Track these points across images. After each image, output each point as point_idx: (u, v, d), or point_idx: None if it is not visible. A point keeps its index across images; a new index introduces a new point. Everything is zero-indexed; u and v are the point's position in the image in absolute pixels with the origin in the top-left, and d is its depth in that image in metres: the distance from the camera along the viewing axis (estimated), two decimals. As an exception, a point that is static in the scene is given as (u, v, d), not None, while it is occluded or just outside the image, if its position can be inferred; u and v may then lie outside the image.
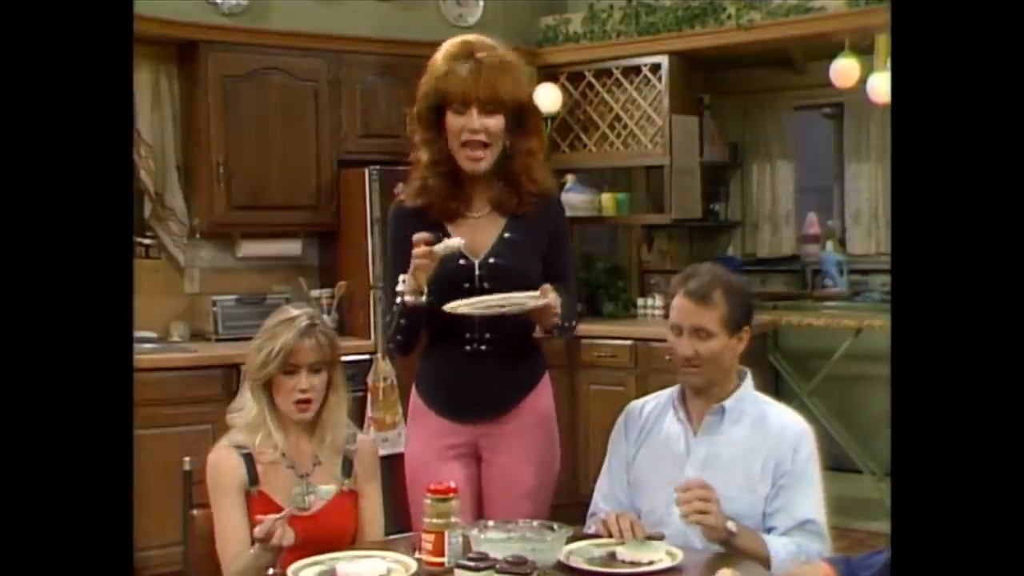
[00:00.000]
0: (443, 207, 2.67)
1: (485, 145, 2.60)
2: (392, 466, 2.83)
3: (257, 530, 2.22)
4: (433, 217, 2.67)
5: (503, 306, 2.54)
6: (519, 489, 2.68)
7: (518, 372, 2.72)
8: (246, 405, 2.52)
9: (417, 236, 2.53)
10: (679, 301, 2.53)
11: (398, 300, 2.58)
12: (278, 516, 2.23)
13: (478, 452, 2.72)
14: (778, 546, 2.35)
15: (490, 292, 2.61)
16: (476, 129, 2.59)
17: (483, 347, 2.66)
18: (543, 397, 2.77)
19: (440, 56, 2.65)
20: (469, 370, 2.68)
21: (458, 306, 2.54)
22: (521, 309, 2.55)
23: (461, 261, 2.63)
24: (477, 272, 2.65)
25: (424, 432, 2.76)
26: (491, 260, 2.65)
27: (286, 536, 2.21)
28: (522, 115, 2.64)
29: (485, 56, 2.60)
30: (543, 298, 2.53)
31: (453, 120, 2.61)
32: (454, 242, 2.55)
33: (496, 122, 2.60)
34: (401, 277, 2.57)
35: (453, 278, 2.62)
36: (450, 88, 2.60)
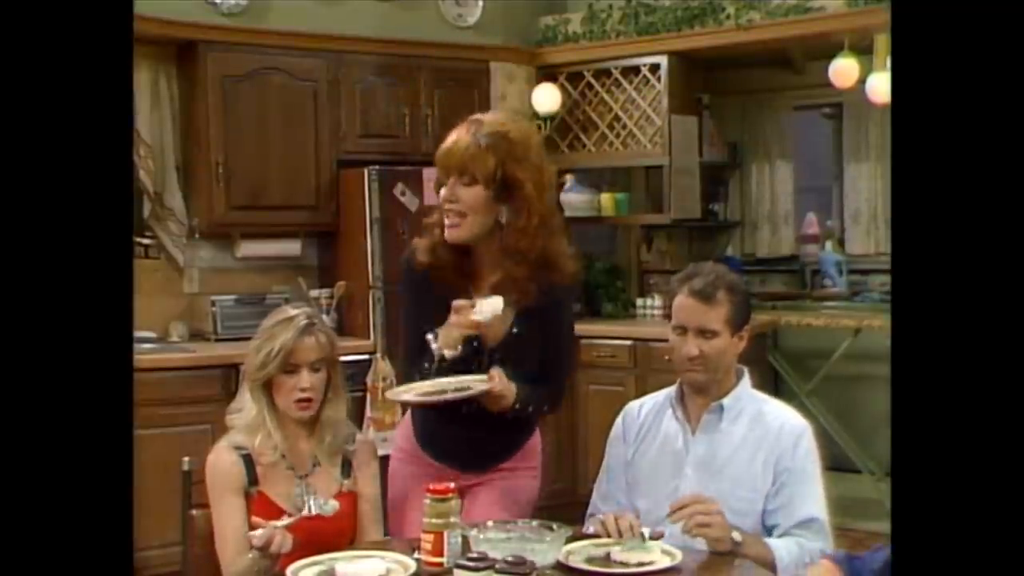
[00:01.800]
0: (452, 278, 2.61)
1: (460, 215, 2.55)
2: (391, 466, 2.83)
3: (256, 539, 2.21)
4: (442, 288, 2.60)
5: (445, 392, 2.50)
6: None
7: (502, 436, 2.67)
8: (245, 406, 2.52)
9: (457, 303, 2.49)
10: (683, 301, 2.51)
11: (435, 355, 2.51)
12: (278, 524, 2.23)
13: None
14: (782, 551, 2.35)
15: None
16: (448, 198, 2.56)
17: (464, 409, 2.58)
18: (528, 459, 2.73)
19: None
20: (453, 425, 2.63)
21: (401, 392, 2.56)
22: (466, 395, 2.49)
23: (474, 343, 2.57)
24: (487, 359, 2.59)
25: (407, 457, 2.74)
26: (496, 355, 2.59)
27: (284, 543, 2.21)
28: (511, 190, 2.53)
29: (477, 129, 2.54)
30: (489, 382, 2.49)
31: (442, 191, 2.60)
32: (496, 304, 2.48)
33: (470, 193, 2.53)
34: (429, 336, 2.52)
35: (464, 356, 2.55)
36: (437, 159, 2.60)
